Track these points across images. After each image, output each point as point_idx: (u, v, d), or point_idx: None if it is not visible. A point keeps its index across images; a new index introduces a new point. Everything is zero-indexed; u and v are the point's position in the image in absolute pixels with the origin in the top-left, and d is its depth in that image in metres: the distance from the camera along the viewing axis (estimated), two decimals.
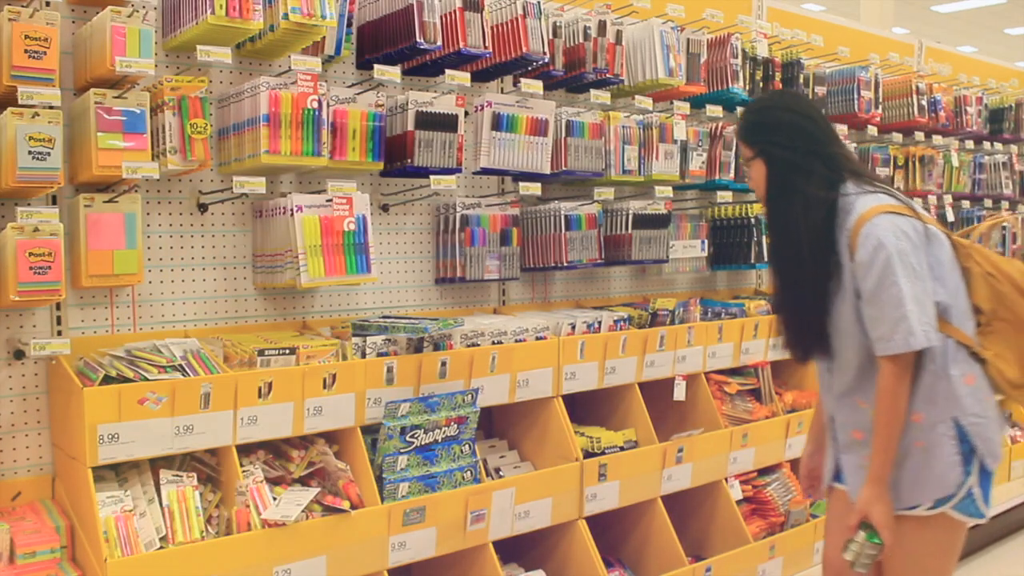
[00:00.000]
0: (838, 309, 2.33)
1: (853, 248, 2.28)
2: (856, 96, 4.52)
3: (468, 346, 3.06)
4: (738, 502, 3.78)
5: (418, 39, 2.90)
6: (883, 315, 2.23)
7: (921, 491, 2.29)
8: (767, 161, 2.41)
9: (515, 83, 3.42)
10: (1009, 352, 2.35)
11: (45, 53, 2.26)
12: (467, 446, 2.95)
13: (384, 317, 3.09)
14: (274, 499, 2.55)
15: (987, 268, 2.39)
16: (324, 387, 2.67)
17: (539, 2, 3.17)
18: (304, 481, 2.73)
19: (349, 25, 2.92)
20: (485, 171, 3.26)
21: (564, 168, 3.38)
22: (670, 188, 3.73)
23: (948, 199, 5.24)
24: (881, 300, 2.23)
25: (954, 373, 2.29)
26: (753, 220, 4.04)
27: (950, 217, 5.24)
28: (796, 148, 2.37)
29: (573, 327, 3.36)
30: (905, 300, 2.21)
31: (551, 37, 3.31)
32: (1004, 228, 4.90)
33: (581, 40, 3.38)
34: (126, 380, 2.39)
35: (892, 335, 2.22)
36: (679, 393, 3.66)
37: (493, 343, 3.12)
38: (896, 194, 2.37)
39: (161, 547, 2.37)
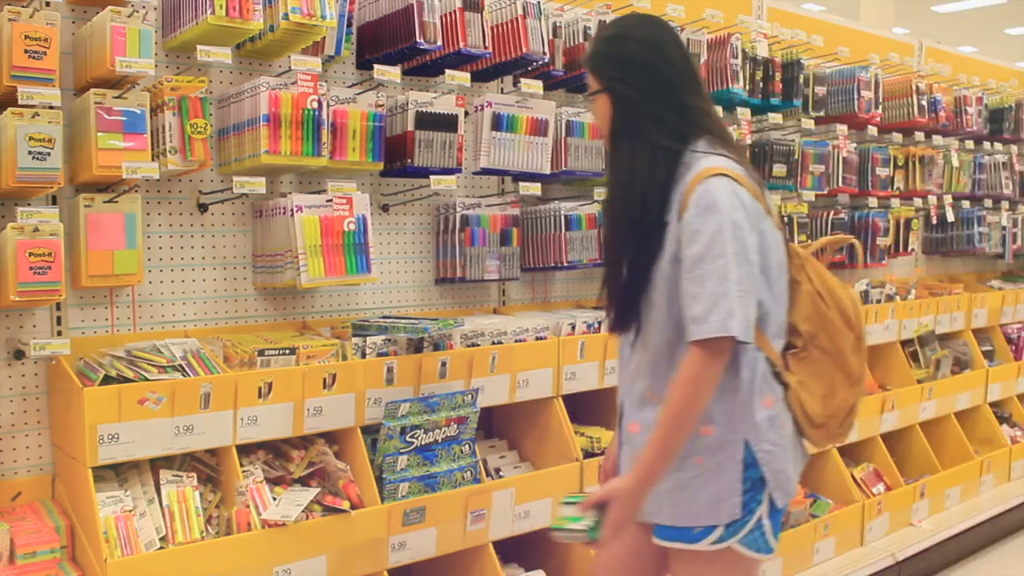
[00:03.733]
0: (655, 274, 2.02)
1: (684, 207, 1.96)
2: (856, 96, 4.52)
3: (468, 346, 3.06)
4: None
5: (418, 39, 2.90)
6: (702, 291, 1.90)
7: (689, 514, 2.01)
8: (613, 99, 2.07)
9: (515, 83, 3.42)
10: (817, 385, 2.08)
11: (45, 53, 2.26)
12: (467, 446, 2.95)
13: (384, 317, 3.09)
14: (274, 499, 2.55)
15: (818, 287, 2.12)
16: (324, 387, 2.67)
17: (539, 2, 3.17)
18: (304, 481, 2.73)
19: (349, 25, 2.92)
20: (485, 171, 3.26)
21: (564, 168, 3.38)
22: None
23: (948, 199, 5.24)
24: (704, 272, 1.91)
25: (756, 390, 2.00)
26: None
27: (950, 217, 5.24)
28: (648, 91, 2.03)
29: (573, 327, 3.36)
30: (730, 278, 1.89)
31: (551, 37, 3.31)
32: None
33: (581, 40, 3.38)
34: (126, 380, 2.39)
35: (708, 315, 1.89)
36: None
37: (493, 343, 3.12)
38: (750, 170, 2.09)
39: (161, 547, 2.37)
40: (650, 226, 2.01)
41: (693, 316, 1.92)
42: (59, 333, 2.58)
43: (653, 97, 2.04)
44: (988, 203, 5.60)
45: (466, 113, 3.19)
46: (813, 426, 2.08)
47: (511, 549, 3.25)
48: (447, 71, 3.04)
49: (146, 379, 2.41)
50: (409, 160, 2.99)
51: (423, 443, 2.83)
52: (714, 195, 1.93)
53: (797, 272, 2.12)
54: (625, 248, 2.07)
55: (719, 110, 3.88)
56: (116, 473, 2.52)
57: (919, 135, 5.05)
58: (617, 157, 2.09)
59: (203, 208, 2.81)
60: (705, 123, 2.08)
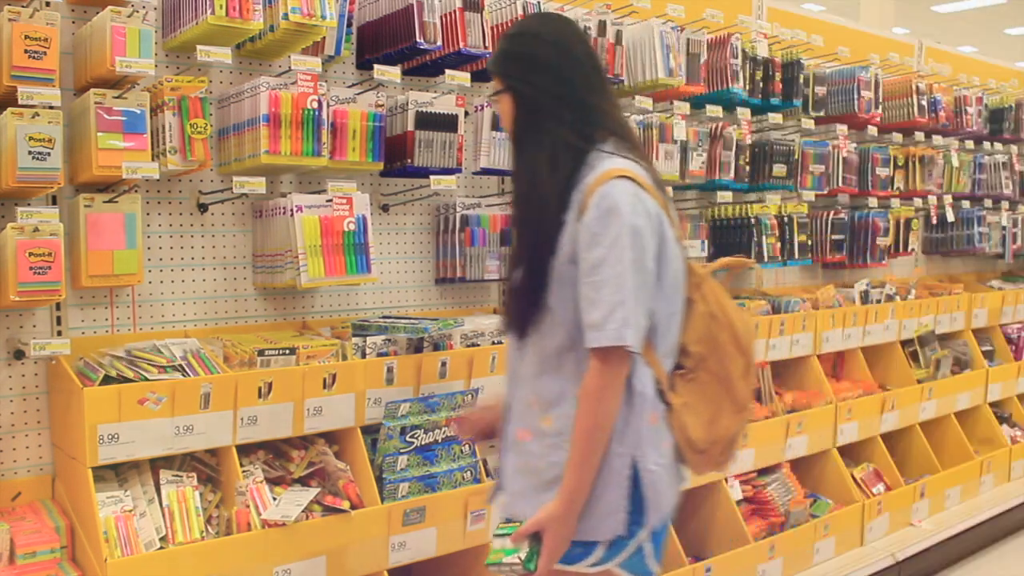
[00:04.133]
0: (547, 276, 1.96)
1: (584, 208, 1.89)
2: (856, 96, 4.52)
3: (468, 346, 3.06)
4: (738, 502, 3.78)
5: (418, 39, 2.90)
6: (600, 297, 1.85)
7: (587, 527, 1.92)
8: (515, 98, 2.03)
9: None
10: (703, 409, 2.00)
11: (45, 53, 2.26)
12: (467, 446, 2.95)
13: (384, 317, 3.09)
14: (274, 499, 2.55)
15: (712, 307, 2.04)
16: (324, 387, 2.67)
17: (539, 2, 3.17)
18: (304, 481, 2.73)
19: (349, 25, 2.92)
20: (485, 171, 3.26)
21: None
22: (670, 188, 3.72)
23: (948, 199, 5.25)
24: (601, 278, 1.85)
25: (643, 405, 1.94)
26: (753, 220, 4.04)
27: (950, 217, 5.24)
28: (550, 90, 1.98)
29: None
30: (627, 285, 1.84)
31: None
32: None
33: None
34: (126, 380, 2.39)
35: (606, 323, 1.84)
36: None
37: (493, 343, 3.12)
38: (657, 176, 2.04)
39: (161, 547, 2.37)
40: (548, 226, 1.94)
41: (590, 322, 1.86)
42: (59, 333, 2.58)
43: (554, 96, 1.98)
44: (988, 203, 5.60)
45: (466, 113, 3.19)
46: (694, 451, 1.99)
47: None
48: (447, 71, 3.04)
49: (146, 379, 2.41)
50: (409, 160, 2.99)
51: (423, 443, 2.83)
52: (615, 198, 1.87)
53: (693, 291, 2.05)
54: (523, 247, 2.01)
55: (719, 110, 3.89)
56: (116, 473, 2.52)
57: (919, 135, 5.05)
58: (518, 156, 2.05)
59: (203, 208, 2.81)
60: (608, 124, 2.02)
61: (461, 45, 2.98)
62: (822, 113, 4.46)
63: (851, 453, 4.47)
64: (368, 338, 2.82)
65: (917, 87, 4.88)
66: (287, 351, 2.65)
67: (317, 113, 2.69)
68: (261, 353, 2.61)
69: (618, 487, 1.91)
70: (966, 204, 5.43)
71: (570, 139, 1.96)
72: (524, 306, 1.99)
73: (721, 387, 2.01)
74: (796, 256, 4.27)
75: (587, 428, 1.87)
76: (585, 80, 2.01)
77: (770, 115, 4.19)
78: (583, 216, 1.89)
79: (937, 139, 5.13)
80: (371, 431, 2.82)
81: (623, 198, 1.88)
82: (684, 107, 3.74)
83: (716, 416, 2.01)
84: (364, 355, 2.81)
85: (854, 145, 4.64)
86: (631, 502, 1.91)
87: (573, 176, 1.94)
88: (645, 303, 1.89)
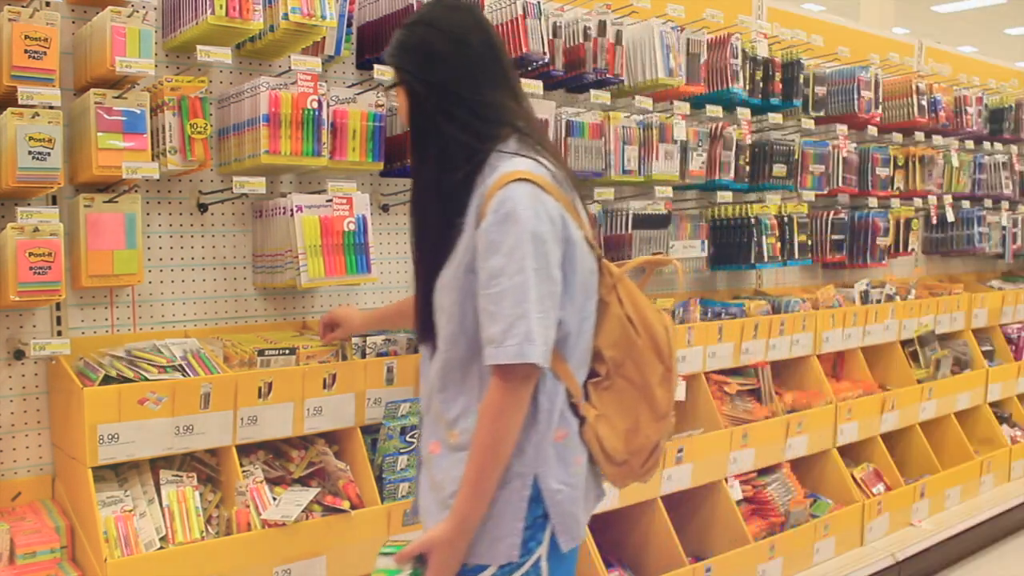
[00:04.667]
0: (445, 282, 1.86)
1: (483, 214, 1.79)
2: (856, 96, 4.52)
3: None
4: (738, 502, 3.78)
5: None
6: (499, 310, 1.74)
7: (477, 550, 1.83)
8: (408, 93, 1.92)
9: None
10: (620, 419, 1.91)
11: (45, 53, 2.26)
12: None
13: None
14: (274, 499, 2.55)
15: (628, 310, 1.93)
16: (324, 387, 2.67)
17: (539, 2, 3.17)
18: (304, 481, 2.73)
19: (349, 25, 2.92)
20: None
21: None
22: (670, 188, 3.73)
23: (948, 199, 5.25)
24: (500, 289, 1.74)
25: (549, 422, 1.84)
26: (753, 220, 4.04)
27: (950, 217, 5.24)
28: (443, 86, 1.86)
29: None
30: (529, 297, 1.73)
31: (551, 37, 3.31)
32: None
33: (581, 40, 3.38)
34: (126, 380, 2.39)
35: (505, 338, 1.73)
36: (679, 393, 3.66)
37: None
38: (565, 175, 1.92)
39: (161, 547, 2.37)
40: (442, 230, 1.84)
41: (488, 337, 1.75)
42: (59, 333, 2.58)
43: (448, 92, 1.85)
44: (988, 203, 5.60)
45: None
46: (612, 463, 1.90)
47: None
48: None
49: (146, 379, 2.41)
50: (409, 160, 2.99)
51: None
52: (515, 203, 1.75)
53: (607, 292, 1.93)
54: (414, 252, 1.95)
55: (719, 110, 3.89)
56: (116, 473, 2.52)
57: (919, 135, 5.05)
58: (414, 155, 1.95)
59: (203, 208, 2.81)
60: (510, 119, 1.89)
61: None
62: (822, 113, 4.46)
63: (851, 453, 4.47)
64: (368, 338, 2.82)
65: (917, 87, 4.88)
66: (287, 351, 2.65)
67: (317, 113, 2.69)
68: (261, 353, 2.61)
69: (515, 509, 1.81)
70: (966, 204, 5.43)
71: (463, 138, 1.84)
72: (424, 314, 1.91)
73: (639, 394, 1.91)
74: (796, 256, 4.27)
75: (483, 446, 1.76)
76: (484, 74, 1.87)
77: (770, 115, 4.19)
78: (481, 222, 1.78)
79: (937, 139, 5.13)
80: (371, 431, 2.82)
81: (522, 203, 1.75)
82: (684, 107, 3.74)
83: (635, 426, 1.90)
84: (364, 355, 2.81)
85: (854, 145, 4.64)
86: (527, 522, 1.82)
87: (469, 178, 1.83)
88: (551, 314, 1.77)
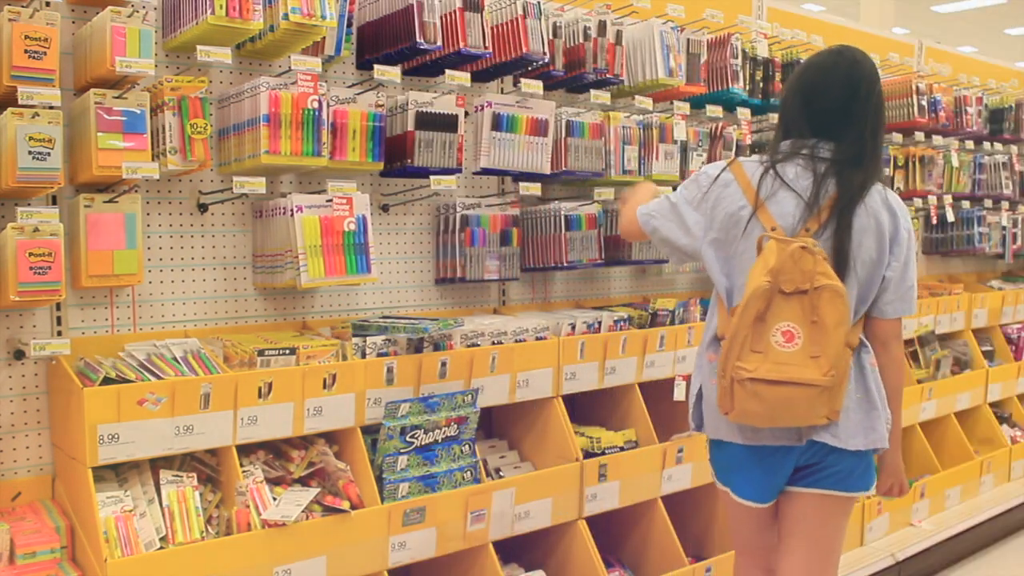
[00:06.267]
0: None
1: None
2: None
3: (468, 346, 3.06)
4: None
5: (418, 39, 2.90)
6: None
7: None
8: None
9: (515, 83, 3.42)
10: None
11: (45, 53, 2.26)
12: (467, 446, 2.95)
13: (384, 317, 3.09)
14: (274, 499, 2.55)
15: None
16: (324, 387, 2.67)
17: (539, 2, 3.17)
18: (304, 481, 2.73)
19: (349, 25, 2.92)
20: (485, 171, 3.26)
21: (564, 168, 3.38)
22: (670, 188, 3.72)
23: (948, 199, 5.25)
24: None
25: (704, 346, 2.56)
26: None
27: (950, 217, 5.25)
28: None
29: (573, 327, 3.36)
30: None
31: (551, 37, 3.31)
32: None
33: (581, 40, 3.38)
34: (126, 380, 2.39)
35: None
36: (679, 393, 3.66)
37: (493, 343, 3.12)
38: (765, 163, 2.44)
39: (161, 547, 2.37)
40: None
41: None
42: (59, 333, 2.58)
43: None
44: (988, 203, 5.60)
45: (466, 113, 3.19)
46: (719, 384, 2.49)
47: (511, 549, 3.25)
48: (447, 71, 3.04)
49: (160, 379, 2.41)
50: (409, 160, 2.99)
51: (423, 443, 2.83)
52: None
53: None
54: None
55: (719, 110, 3.89)
56: (116, 473, 2.52)
57: (919, 135, 5.05)
58: None
59: (203, 208, 2.81)
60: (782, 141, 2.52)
61: (461, 45, 2.98)
62: None
63: None
64: (368, 338, 2.82)
65: (917, 87, 4.88)
66: (287, 351, 2.65)
67: (317, 113, 2.69)
68: (261, 353, 2.61)
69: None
70: (966, 204, 5.43)
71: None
72: None
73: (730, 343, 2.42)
74: None
75: None
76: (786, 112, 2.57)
77: (770, 115, 4.19)
78: None
79: (937, 139, 5.13)
80: (371, 431, 2.82)
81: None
82: (684, 107, 3.74)
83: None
84: (364, 355, 2.81)
85: None
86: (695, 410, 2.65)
87: None
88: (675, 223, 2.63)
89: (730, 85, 3.91)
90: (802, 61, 2.58)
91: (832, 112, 2.41)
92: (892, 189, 4.51)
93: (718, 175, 2.47)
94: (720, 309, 2.47)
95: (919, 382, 4.74)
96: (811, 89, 2.45)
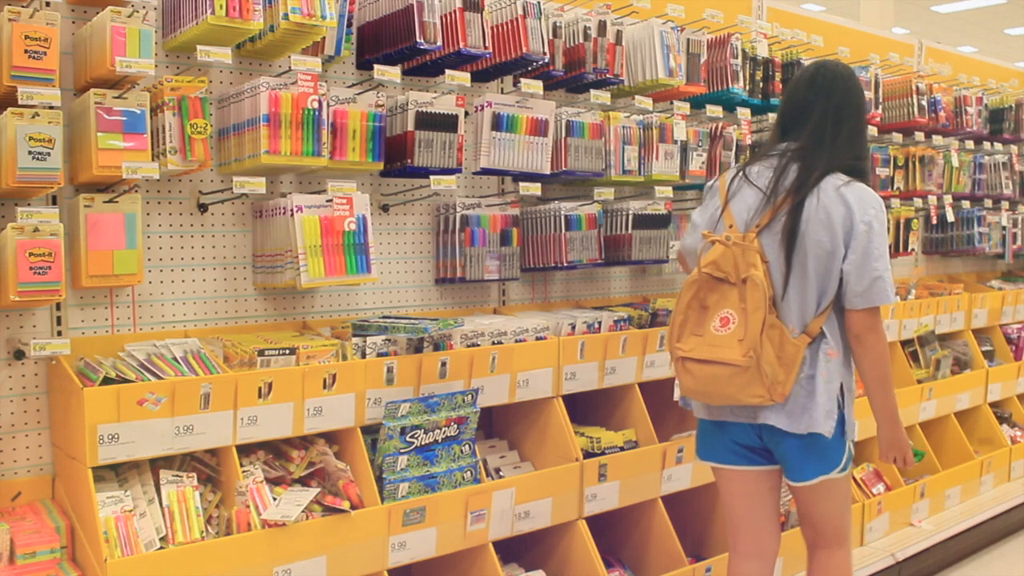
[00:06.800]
0: None
1: None
2: None
3: (468, 346, 3.06)
4: None
5: (418, 39, 2.90)
6: None
7: None
8: None
9: (515, 83, 3.42)
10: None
11: (45, 53, 2.26)
12: (467, 446, 2.95)
13: (384, 317, 3.09)
14: (274, 499, 2.55)
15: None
16: (324, 387, 2.67)
17: (539, 2, 3.17)
18: (304, 481, 2.73)
19: (349, 25, 2.92)
20: (485, 171, 3.26)
21: (564, 168, 3.38)
22: (670, 188, 3.73)
23: (948, 199, 5.25)
24: None
25: None
26: None
27: (950, 217, 5.24)
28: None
29: (573, 327, 3.36)
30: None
31: (551, 37, 3.31)
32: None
33: (581, 40, 3.38)
34: (126, 380, 2.39)
35: None
36: (679, 393, 3.66)
37: (493, 343, 3.12)
38: (740, 165, 2.73)
39: (161, 547, 2.37)
40: None
41: None
42: (59, 333, 2.58)
43: None
44: (988, 203, 5.60)
45: (466, 113, 3.19)
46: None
47: (511, 549, 3.25)
48: (447, 71, 3.04)
49: (160, 379, 2.41)
50: (409, 160, 2.99)
51: (423, 443, 2.83)
52: None
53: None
54: None
55: (720, 110, 3.89)
56: (116, 473, 2.52)
57: (919, 135, 5.05)
58: None
59: (203, 208, 2.81)
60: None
61: (461, 45, 2.98)
62: None
63: None
64: (368, 338, 2.82)
65: (917, 87, 4.88)
66: (287, 351, 2.65)
67: (317, 113, 2.69)
68: (261, 353, 2.61)
69: None
70: (966, 204, 5.43)
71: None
72: None
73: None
74: None
75: None
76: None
77: (770, 115, 4.19)
78: None
79: (937, 139, 5.13)
80: (371, 431, 2.82)
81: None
82: (684, 107, 3.74)
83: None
84: (364, 355, 2.81)
85: None
86: None
87: None
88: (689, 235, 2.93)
89: (730, 85, 3.91)
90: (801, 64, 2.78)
91: (794, 107, 2.69)
92: (892, 188, 4.52)
93: (711, 184, 2.82)
94: None
95: (919, 382, 4.74)
96: (784, 95, 2.78)
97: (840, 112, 2.62)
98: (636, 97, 3.60)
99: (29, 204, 2.49)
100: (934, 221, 5.30)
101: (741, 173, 2.68)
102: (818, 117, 2.62)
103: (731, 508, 2.79)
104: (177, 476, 2.50)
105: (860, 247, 2.51)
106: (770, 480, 2.75)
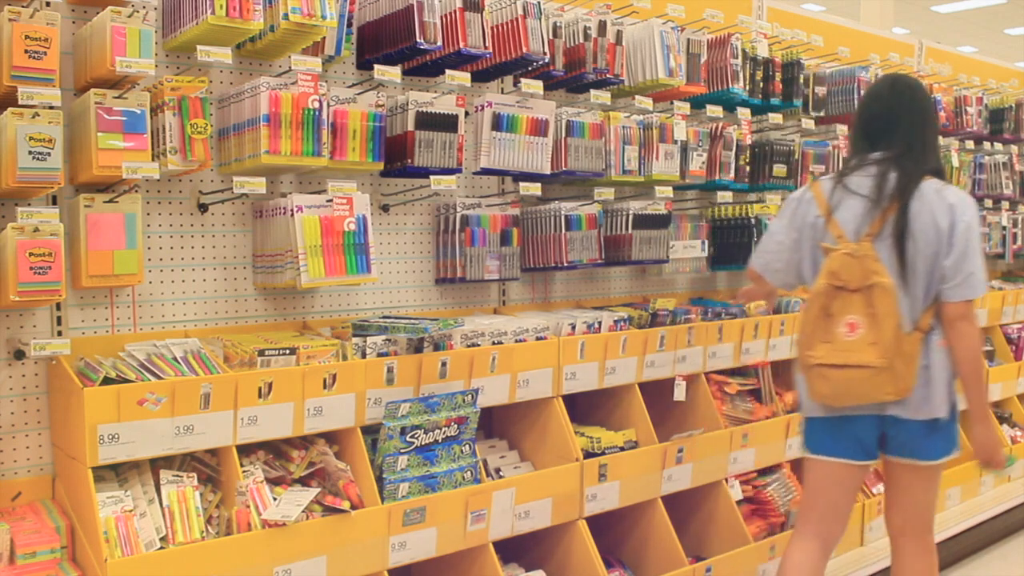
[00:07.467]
0: None
1: None
2: (856, 96, 4.51)
3: (468, 346, 3.06)
4: (738, 502, 3.78)
5: (418, 39, 2.90)
6: None
7: None
8: None
9: (515, 83, 3.42)
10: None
11: (45, 53, 2.26)
12: (467, 446, 2.95)
13: (384, 317, 3.09)
14: (274, 499, 2.55)
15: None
16: (324, 387, 2.67)
17: (539, 2, 3.17)
18: (304, 481, 2.73)
19: (349, 25, 2.92)
20: (485, 171, 3.26)
21: (564, 168, 3.38)
22: (670, 188, 3.73)
23: None
24: None
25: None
26: (753, 220, 4.04)
27: None
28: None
29: (573, 327, 3.36)
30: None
31: (551, 37, 3.31)
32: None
33: (581, 40, 3.38)
34: (126, 380, 2.39)
35: None
36: (679, 393, 3.66)
37: (493, 343, 3.12)
38: (834, 178, 2.87)
39: (161, 547, 2.37)
40: None
41: None
42: (59, 333, 2.58)
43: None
44: (988, 203, 5.60)
45: (466, 113, 3.19)
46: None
47: (511, 549, 3.25)
48: (447, 71, 3.04)
49: (159, 378, 2.41)
50: (409, 160, 2.99)
51: (423, 443, 2.83)
52: None
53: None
54: None
55: (720, 110, 3.89)
56: (116, 473, 2.52)
57: None
58: None
59: (203, 208, 2.81)
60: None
61: (461, 45, 2.98)
62: (822, 113, 4.46)
63: None
64: (368, 338, 2.82)
65: None
66: (287, 351, 2.65)
67: (317, 113, 2.69)
68: (261, 353, 2.61)
69: None
70: None
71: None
72: None
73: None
74: None
75: None
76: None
77: (770, 115, 4.19)
78: None
79: None
80: (371, 431, 2.82)
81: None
82: (684, 107, 3.74)
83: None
84: (364, 355, 2.81)
85: None
86: None
87: None
88: (767, 242, 3.08)
89: (730, 85, 3.91)
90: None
91: (881, 119, 2.86)
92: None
93: (802, 195, 2.95)
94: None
95: None
96: (864, 108, 2.94)
97: (924, 120, 2.86)
98: (636, 97, 3.60)
99: (29, 204, 2.49)
100: None
101: (841, 184, 2.82)
102: (906, 126, 2.83)
103: (819, 495, 2.93)
104: (177, 476, 2.50)
105: (961, 244, 2.72)
106: (864, 475, 2.98)
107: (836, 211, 2.81)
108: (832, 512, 2.93)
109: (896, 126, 2.84)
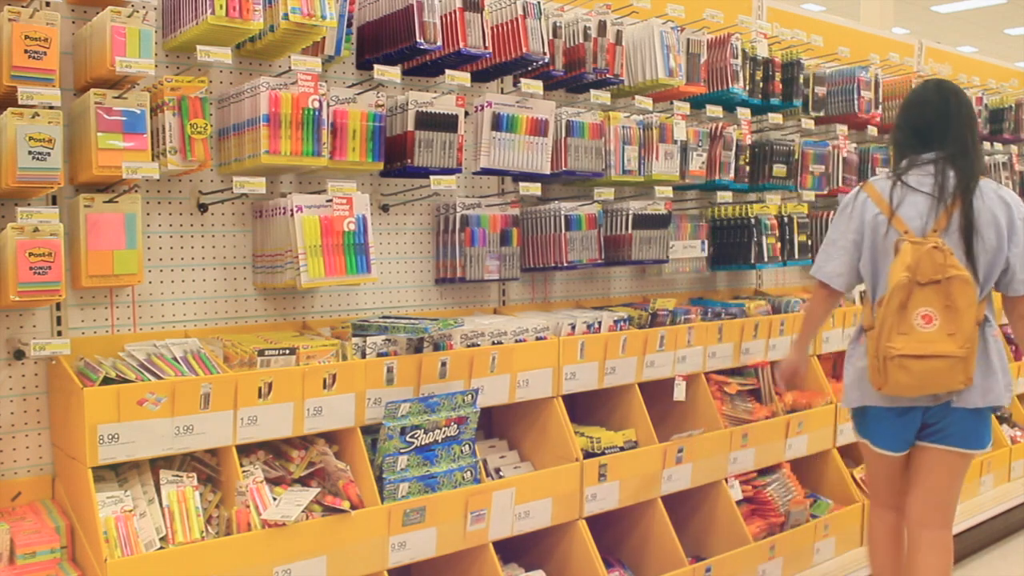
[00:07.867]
0: None
1: None
2: (856, 96, 4.52)
3: (468, 346, 3.06)
4: (738, 502, 3.78)
5: (418, 39, 2.90)
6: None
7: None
8: None
9: (515, 83, 3.42)
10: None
11: (45, 53, 2.26)
12: (467, 446, 2.95)
13: (384, 317, 3.09)
14: (274, 499, 2.55)
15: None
16: (324, 387, 2.67)
17: (539, 2, 3.17)
18: (304, 481, 2.73)
19: (349, 25, 2.92)
20: (485, 171, 3.26)
21: (564, 168, 3.38)
22: (670, 188, 3.73)
23: None
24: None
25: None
26: (753, 220, 4.04)
27: None
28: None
29: (573, 327, 3.36)
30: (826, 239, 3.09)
31: (551, 37, 3.31)
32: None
33: (581, 40, 3.38)
34: (126, 380, 2.39)
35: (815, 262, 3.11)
36: (679, 393, 3.66)
37: (493, 343, 3.12)
38: (891, 178, 2.95)
39: (161, 547, 2.37)
40: None
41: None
42: (59, 333, 2.58)
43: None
44: None
45: (466, 113, 3.19)
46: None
47: (511, 549, 3.25)
48: (447, 71, 3.04)
49: (159, 378, 2.41)
50: (409, 160, 2.99)
51: (423, 443, 2.84)
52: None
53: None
54: None
55: (719, 110, 3.89)
56: (116, 473, 2.52)
57: None
58: None
59: (203, 208, 2.81)
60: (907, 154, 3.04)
61: (461, 45, 2.98)
62: (822, 113, 4.46)
63: (851, 453, 4.46)
64: (368, 338, 2.82)
65: None
66: (287, 351, 2.65)
67: (317, 113, 2.69)
68: (261, 353, 2.61)
69: None
70: None
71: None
72: None
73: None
74: (796, 256, 4.27)
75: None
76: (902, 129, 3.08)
77: (770, 115, 4.19)
78: None
79: None
80: (371, 431, 2.82)
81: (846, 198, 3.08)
82: (684, 107, 3.74)
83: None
84: (364, 355, 2.81)
85: (854, 145, 4.64)
86: None
87: None
88: (831, 250, 3.06)
89: (730, 85, 3.91)
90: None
91: (933, 122, 2.96)
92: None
93: (856, 195, 3.03)
94: (865, 306, 2.99)
95: None
96: (913, 112, 3.02)
97: (970, 122, 2.98)
98: (636, 97, 3.60)
99: (29, 204, 2.49)
100: None
101: (900, 183, 2.92)
102: (956, 127, 2.94)
103: (879, 478, 3.12)
104: (177, 476, 2.50)
105: (1021, 239, 2.88)
106: (916, 454, 3.05)
107: (899, 208, 2.89)
108: (894, 489, 3.10)
109: (949, 128, 2.94)
